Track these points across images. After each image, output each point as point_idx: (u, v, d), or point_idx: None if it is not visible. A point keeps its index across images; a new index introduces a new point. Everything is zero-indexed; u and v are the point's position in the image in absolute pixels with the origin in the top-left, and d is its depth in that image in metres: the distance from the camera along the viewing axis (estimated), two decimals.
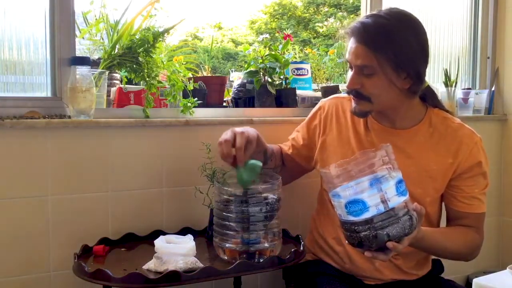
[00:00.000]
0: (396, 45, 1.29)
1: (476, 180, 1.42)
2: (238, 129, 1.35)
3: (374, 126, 1.45)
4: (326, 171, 1.13)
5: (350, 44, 1.33)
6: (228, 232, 1.32)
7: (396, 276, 1.46)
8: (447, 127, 1.43)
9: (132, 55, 1.60)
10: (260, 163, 1.34)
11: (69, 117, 1.49)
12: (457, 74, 2.31)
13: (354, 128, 1.48)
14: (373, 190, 1.08)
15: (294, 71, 2.04)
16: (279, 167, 1.59)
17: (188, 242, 1.32)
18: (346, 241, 1.17)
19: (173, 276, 1.17)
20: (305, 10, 14.05)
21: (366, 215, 1.09)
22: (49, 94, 1.55)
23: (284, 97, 1.89)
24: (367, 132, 1.46)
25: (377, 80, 1.31)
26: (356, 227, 1.11)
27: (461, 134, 1.42)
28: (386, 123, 1.43)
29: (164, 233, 1.49)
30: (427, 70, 1.37)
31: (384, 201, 1.09)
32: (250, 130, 1.37)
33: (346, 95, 1.52)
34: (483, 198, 1.43)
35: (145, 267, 1.27)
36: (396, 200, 1.10)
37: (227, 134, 1.34)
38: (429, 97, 1.46)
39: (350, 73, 1.35)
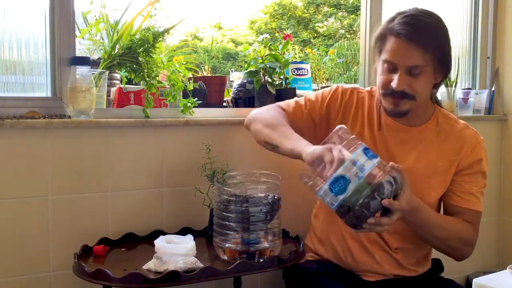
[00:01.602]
0: (443, 42, 1.34)
1: (475, 177, 1.46)
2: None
3: (387, 122, 1.46)
4: (305, 177, 1.20)
5: (395, 44, 1.31)
6: (228, 232, 1.32)
7: (396, 271, 1.47)
8: (452, 127, 1.48)
9: (132, 55, 1.60)
10: None
11: (69, 117, 1.49)
12: (457, 74, 2.30)
13: (369, 124, 1.48)
14: (346, 162, 1.14)
15: (294, 71, 2.04)
16: None
17: (188, 242, 1.32)
18: (352, 229, 1.21)
19: (173, 276, 1.18)
20: (305, 10, 14.06)
21: (351, 188, 1.14)
22: (49, 94, 1.55)
23: (284, 97, 1.88)
24: (380, 129, 1.47)
25: (424, 78, 1.33)
26: (349, 205, 1.15)
27: (465, 134, 1.47)
28: (402, 120, 1.44)
29: (164, 233, 1.49)
30: None
31: (360, 168, 1.15)
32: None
33: (363, 88, 1.54)
34: (480, 197, 1.46)
35: (145, 267, 1.27)
36: (370, 163, 1.16)
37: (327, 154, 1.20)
38: (433, 96, 1.50)
39: (392, 75, 1.33)
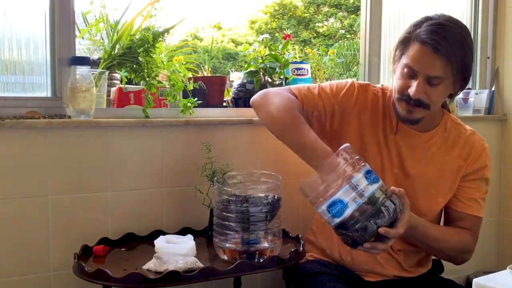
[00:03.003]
0: (467, 55, 1.30)
1: (479, 184, 1.47)
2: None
3: (400, 127, 1.45)
4: (305, 191, 1.19)
5: (419, 51, 1.28)
6: (228, 232, 1.32)
7: (398, 272, 1.48)
8: (460, 133, 1.48)
9: (132, 55, 1.60)
10: None
11: (69, 117, 1.49)
12: None
13: (383, 126, 1.46)
14: (345, 187, 1.14)
15: (294, 71, 2.04)
16: None
17: (188, 242, 1.32)
18: (349, 247, 1.21)
19: (173, 276, 1.18)
20: (305, 10, 14.07)
21: (348, 212, 1.14)
22: (49, 94, 1.55)
23: None
24: (394, 133, 1.45)
25: (443, 88, 1.32)
26: (344, 227, 1.16)
27: (472, 140, 1.48)
28: (415, 125, 1.43)
29: (164, 233, 1.49)
30: None
31: (359, 194, 1.14)
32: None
33: (375, 85, 1.51)
34: (482, 203, 1.47)
35: (145, 267, 1.27)
36: (370, 189, 1.15)
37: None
38: (445, 103, 1.49)
39: (411, 81, 1.31)
